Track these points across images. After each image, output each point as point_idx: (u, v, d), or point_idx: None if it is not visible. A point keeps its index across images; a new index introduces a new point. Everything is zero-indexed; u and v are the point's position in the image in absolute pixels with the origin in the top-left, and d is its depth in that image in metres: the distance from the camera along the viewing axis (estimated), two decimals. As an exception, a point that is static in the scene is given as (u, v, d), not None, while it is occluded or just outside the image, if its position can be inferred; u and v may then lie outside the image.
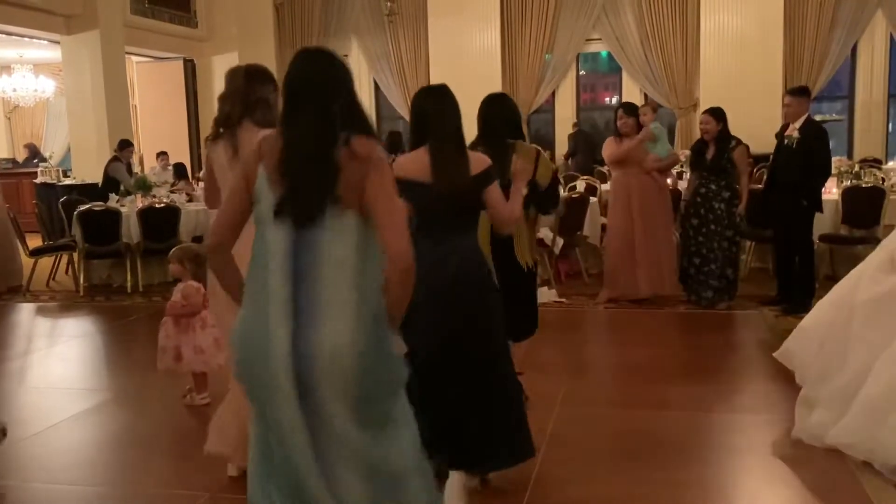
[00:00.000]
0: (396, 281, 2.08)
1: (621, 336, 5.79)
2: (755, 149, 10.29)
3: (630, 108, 6.50)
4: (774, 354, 4.16)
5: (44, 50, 12.11)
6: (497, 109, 3.80)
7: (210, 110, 12.68)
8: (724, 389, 4.45)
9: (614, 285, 6.55)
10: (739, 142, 6.22)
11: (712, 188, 6.17)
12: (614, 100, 12.93)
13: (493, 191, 2.92)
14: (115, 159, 9.36)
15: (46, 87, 13.86)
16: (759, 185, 6.66)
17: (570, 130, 12.55)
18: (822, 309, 3.90)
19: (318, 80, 2.12)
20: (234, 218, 2.19)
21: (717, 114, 6.20)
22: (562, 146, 13.01)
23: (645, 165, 6.37)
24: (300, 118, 2.10)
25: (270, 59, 12.54)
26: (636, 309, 6.34)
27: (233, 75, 3.22)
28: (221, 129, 3.19)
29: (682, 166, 9.86)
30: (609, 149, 6.41)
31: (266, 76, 3.24)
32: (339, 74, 2.16)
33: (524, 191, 3.10)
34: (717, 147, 6.16)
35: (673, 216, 6.70)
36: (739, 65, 11.41)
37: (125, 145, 9.58)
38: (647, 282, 6.40)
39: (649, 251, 6.37)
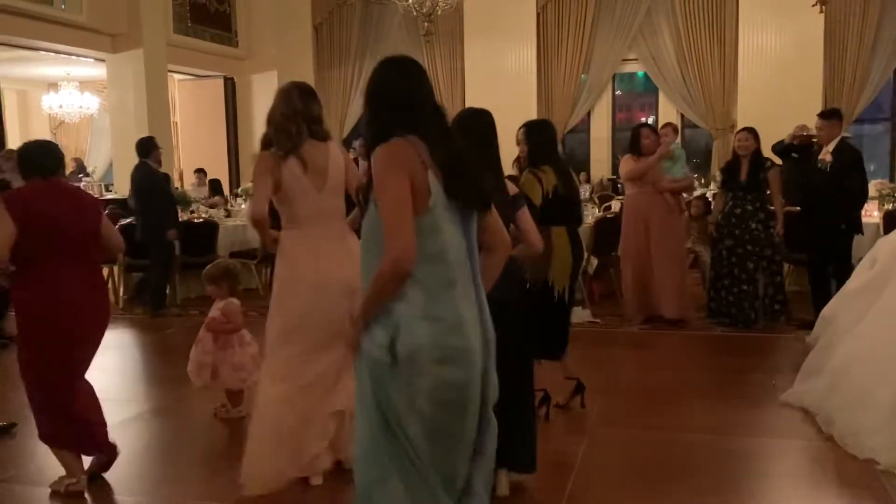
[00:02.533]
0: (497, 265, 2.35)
1: (654, 357, 5.74)
2: (793, 171, 10.22)
3: (656, 129, 6.58)
4: (807, 339, 4.75)
5: (90, 67, 12.44)
6: (550, 134, 4.28)
7: (249, 127, 13.03)
8: (759, 413, 4.39)
9: (636, 306, 6.50)
10: (773, 163, 6.26)
11: (748, 208, 6.14)
12: (650, 120, 12.88)
13: (524, 213, 3.25)
14: (142, 164, 7.46)
15: (91, 103, 14.24)
16: (796, 208, 6.61)
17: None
18: (835, 298, 4.63)
19: (430, 88, 2.23)
20: (413, 230, 2.05)
21: (755, 133, 6.27)
22: (597, 165, 12.99)
23: (659, 185, 6.34)
24: (440, 125, 2.19)
25: (309, 77, 12.71)
26: (670, 330, 6.27)
27: (288, 96, 3.38)
28: (290, 147, 3.33)
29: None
30: (627, 165, 6.41)
31: (315, 94, 3.49)
32: None
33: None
34: (751, 165, 6.15)
35: (687, 239, 6.71)
36: (778, 86, 11.23)
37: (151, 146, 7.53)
38: (668, 303, 6.33)
39: (663, 272, 6.30)
